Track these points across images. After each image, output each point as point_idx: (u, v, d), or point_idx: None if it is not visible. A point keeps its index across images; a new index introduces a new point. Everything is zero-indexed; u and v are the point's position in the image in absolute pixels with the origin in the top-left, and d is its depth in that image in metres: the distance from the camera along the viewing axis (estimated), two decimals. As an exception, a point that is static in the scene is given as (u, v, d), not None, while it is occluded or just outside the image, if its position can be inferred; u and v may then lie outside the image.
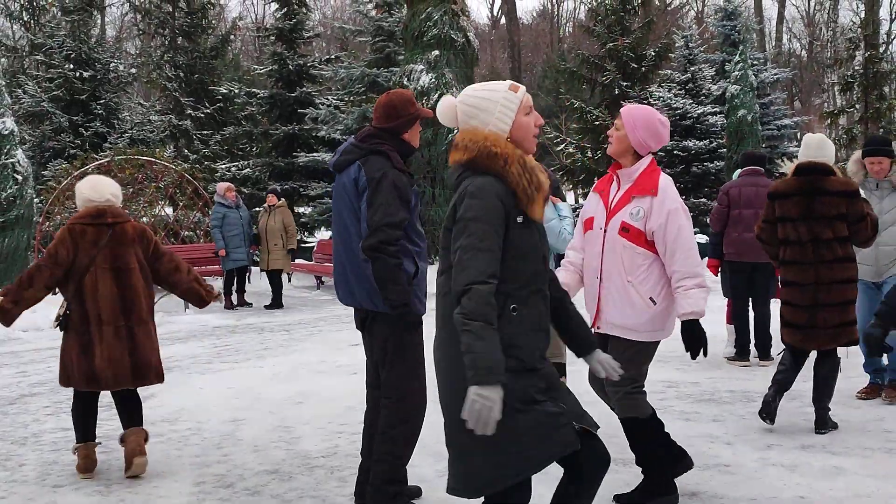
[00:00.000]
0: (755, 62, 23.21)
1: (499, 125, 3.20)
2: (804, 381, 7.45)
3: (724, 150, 20.28)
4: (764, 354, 8.38)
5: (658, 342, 4.53)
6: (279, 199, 14.71)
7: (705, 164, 21.05)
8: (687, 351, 4.37)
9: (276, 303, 14.46)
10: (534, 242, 3.17)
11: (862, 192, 6.35)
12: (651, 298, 4.35)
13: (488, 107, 3.21)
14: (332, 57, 25.24)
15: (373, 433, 4.60)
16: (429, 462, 5.32)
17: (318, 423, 6.56)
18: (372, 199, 4.29)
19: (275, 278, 14.46)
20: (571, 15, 58.52)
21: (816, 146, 6.06)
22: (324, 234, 22.94)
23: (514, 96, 3.23)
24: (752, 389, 6.94)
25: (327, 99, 22.39)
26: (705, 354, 4.35)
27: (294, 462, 5.62)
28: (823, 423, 5.97)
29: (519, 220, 3.11)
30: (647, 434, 4.56)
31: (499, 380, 2.85)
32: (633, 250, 4.36)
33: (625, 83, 23.76)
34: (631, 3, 25.26)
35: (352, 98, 21.32)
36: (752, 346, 8.49)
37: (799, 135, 38.52)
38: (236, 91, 24.99)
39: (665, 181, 4.46)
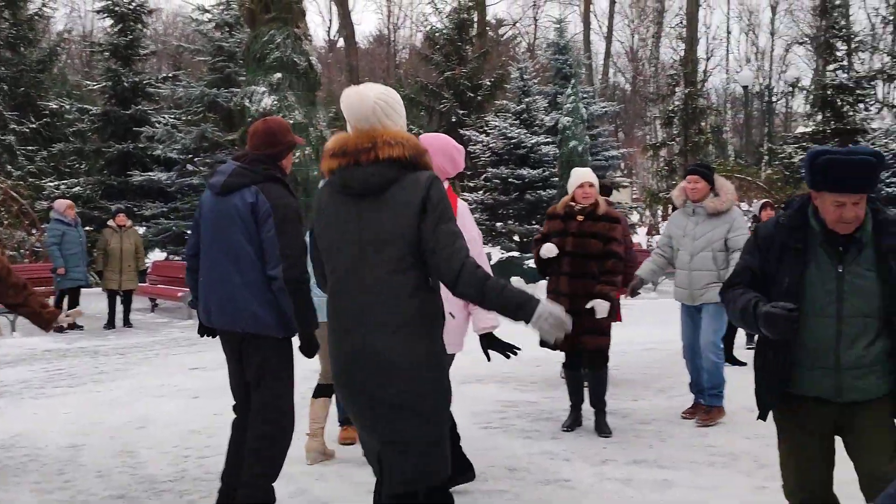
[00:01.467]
0: (585, 95, 24.22)
1: (404, 127, 3.35)
2: (634, 399, 7.90)
3: (557, 178, 21.07)
4: None
5: (454, 354, 4.75)
6: (128, 220, 14.49)
7: (538, 191, 21.78)
8: (504, 353, 4.49)
9: (126, 322, 14.39)
10: None
11: (682, 216, 6.99)
12: (450, 313, 4.55)
13: (399, 110, 3.33)
14: (170, 75, 24.70)
15: (240, 457, 4.60)
16: (281, 483, 5.36)
17: (163, 447, 6.46)
18: (283, 229, 4.34)
19: (128, 299, 14.42)
20: (408, 41, 59.34)
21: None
22: (158, 255, 22.35)
23: None
24: (586, 408, 7.31)
25: (164, 117, 21.92)
26: (515, 353, 4.46)
27: (140, 487, 5.52)
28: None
29: None
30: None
31: (539, 299, 3.11)
32: None
33: (462, 111, 24.37)
34: (467, 34, 25.95)
35: (189, 117, 20.96)
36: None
37: (623, 165, 40.32)
38: (67, 107, 24.09)
39: (462, 207, 4.81)
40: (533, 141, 22.23)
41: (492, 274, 3.21)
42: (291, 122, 16.29)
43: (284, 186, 4.49)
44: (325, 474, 5.67)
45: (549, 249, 6.47)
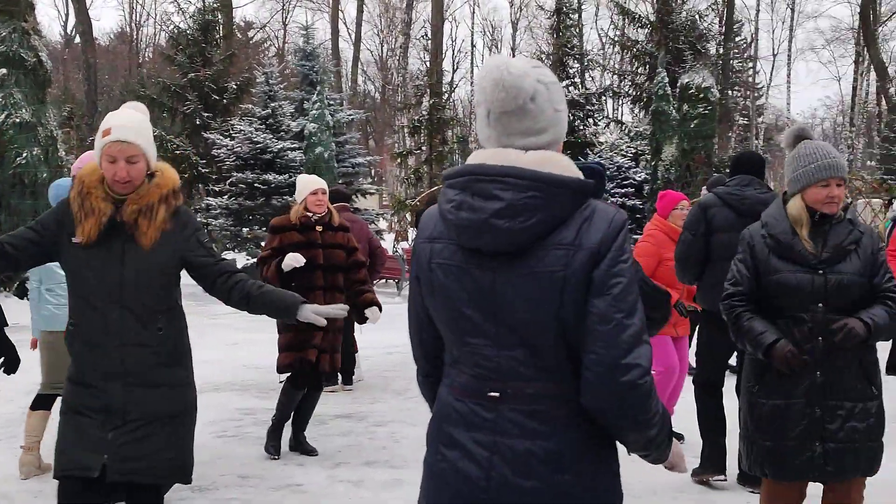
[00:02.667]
0: (332, 102, 24.36)
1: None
2: (371, 402, 8.06)
3: (303, 184, 21.04)
4: (347, 380, 8.78)
5: None
6: None
7: (285, 197, 21.63)
8: None
9: None
10: (85, 263, 3.33)
11: None
12: None
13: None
14: None
15: None
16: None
17: None
18: None
19: None
20: (151, 40, 57.26)
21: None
22: None
23: (100, 141, 3.32)
24: (322, 413, 7.37)
25: None
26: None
27: None
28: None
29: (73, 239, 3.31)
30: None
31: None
32: None
33: (206, 114, 23.82)
34: (213, 35, 25.43)
35: None
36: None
37: (374, 172, 40.89)
38: None
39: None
40: (279, 146, 22.06)
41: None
42: (18, 120, 15.36)
43: None
44: (43, 491, 5.41)
45: (295, 259, 5.97)
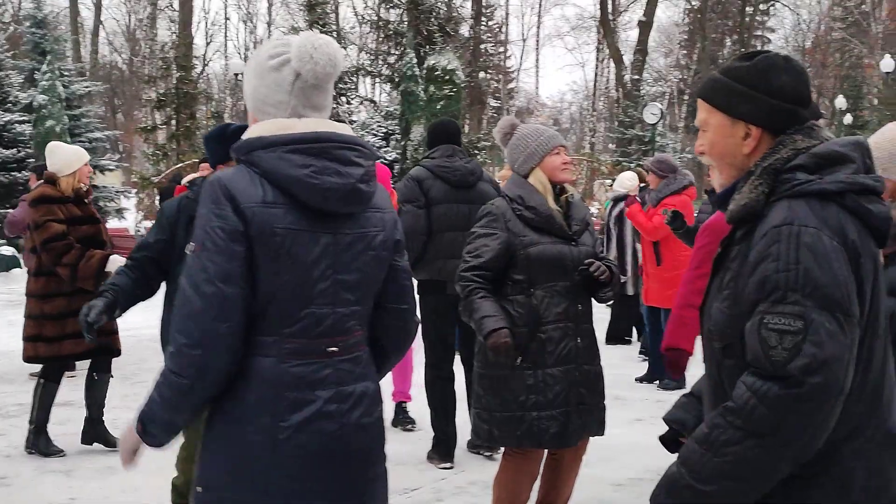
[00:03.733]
0: (66, 73, 23.07)
1: None
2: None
3: (33, 159, 19.80)
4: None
5: None
6: None
7: (13, 173, 20.33)
8: None
9: None
10: None
11: None
12: None
13: None
14: None
15: None
16: None
17: None
18: None
19: None
20: None
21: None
22: None
23: None
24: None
25: None
26: None
27: None
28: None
29: None
30: None
31: None
32: None
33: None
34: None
35: None
36: None
37: (121, 148, 38.94)
38: None
39: None
40: (6, 118, 20.84)
41: None
42: None
43: None
44: None
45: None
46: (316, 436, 2.16)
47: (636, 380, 8.47)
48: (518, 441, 3.92)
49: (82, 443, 5.94)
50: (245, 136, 2.19)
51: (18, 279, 14.99)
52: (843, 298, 1.83)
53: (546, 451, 4.06)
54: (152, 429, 2.15)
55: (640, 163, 17.72)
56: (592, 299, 4.04)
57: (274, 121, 2.19)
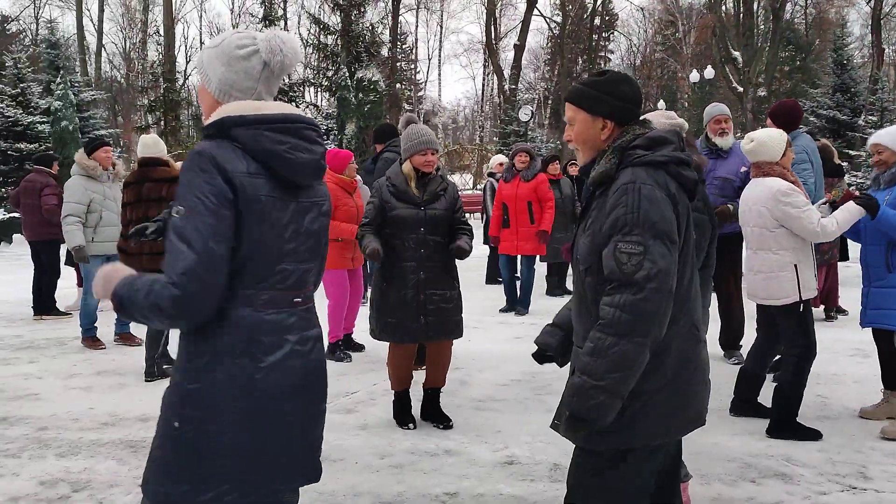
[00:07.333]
0: (76, 84, 22.41)
1: None
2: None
3: (52, 152, 19.24)
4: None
5: None
6: None
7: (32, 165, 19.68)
8: None
9: None
10: None
11: None
12: None
13: None
14: None
15: None
16: None
17: None
18: None
19: None
20: None
21: (153, 144, 5.85)
22: None
23: None
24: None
25: None
26: None
27: None
28: None
29: None
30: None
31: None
32: None
33: (-40, 92, 20.89)
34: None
35: None
36: None
37: (122, 142, 37.87)
38: None
39: None
40: (29, 120, 20.21)
41: None
42: None
43: None
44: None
45: None
46: (289, 372, 1.99)
47: (500, 311, 8.20)
48: (386, 337, 4.40)
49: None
50: (218, 116, 1.94)
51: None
52: (669, 231, 2.01)
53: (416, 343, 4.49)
54: (124, 311, 1.89)
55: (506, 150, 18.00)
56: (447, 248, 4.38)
57: (246, 102, 1.96)
